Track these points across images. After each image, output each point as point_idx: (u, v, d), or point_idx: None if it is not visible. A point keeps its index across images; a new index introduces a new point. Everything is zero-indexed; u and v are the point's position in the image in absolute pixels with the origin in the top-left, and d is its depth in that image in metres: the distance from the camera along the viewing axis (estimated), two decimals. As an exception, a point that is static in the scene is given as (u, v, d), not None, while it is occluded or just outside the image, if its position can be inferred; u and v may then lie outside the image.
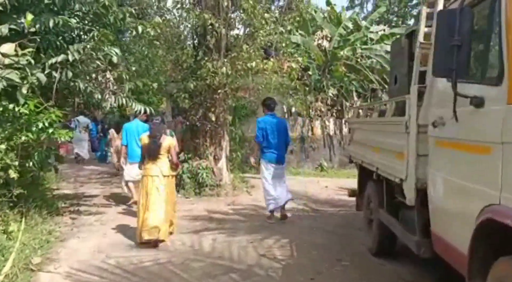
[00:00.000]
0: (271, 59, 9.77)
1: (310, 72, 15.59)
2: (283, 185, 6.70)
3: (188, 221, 6.88)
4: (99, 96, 6.51)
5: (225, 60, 9.26)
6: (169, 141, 5.50)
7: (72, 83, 6.49)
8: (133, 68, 10.11)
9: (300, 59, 10.37)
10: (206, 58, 9.26)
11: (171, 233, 5.60)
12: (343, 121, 16.58)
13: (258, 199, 9.29)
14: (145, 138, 5.48)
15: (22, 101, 5.56)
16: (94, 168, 13.58)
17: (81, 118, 14.03)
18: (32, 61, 5.51)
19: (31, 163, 5.95)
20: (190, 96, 9.59)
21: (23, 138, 5.77)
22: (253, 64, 9.20)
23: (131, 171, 7.29)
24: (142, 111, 7.16)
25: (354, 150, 6.34)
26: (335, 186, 11.88)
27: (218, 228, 6.46)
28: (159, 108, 18.09)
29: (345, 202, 9.36)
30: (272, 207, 6.69)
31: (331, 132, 16.21)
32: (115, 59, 6.33)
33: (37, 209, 6.64)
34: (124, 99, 6.68)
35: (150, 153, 5.34)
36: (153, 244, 5.20)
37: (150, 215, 5.12)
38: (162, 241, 5.31)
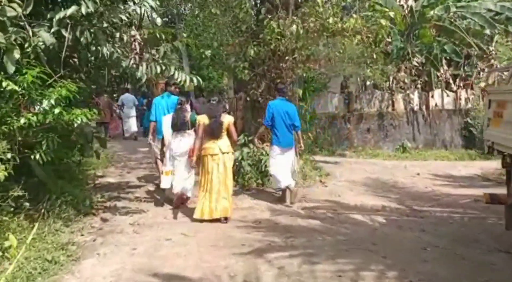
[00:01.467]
0: (354, 15, 7.29)
1: (389, 39, 12.63)
2: (288, 169, 6.21)
3: (244, 230, 4.88)
4: (126, 64, 4.57)
5: (294, 17, 6.97)
6: (228, 119, 5.27)
7: (93, 47, 4.64)
8: (184, 35, 8.21)
9: (391, 14, 7.69)
10: (270, 17, 7.03)
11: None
12: (430, 95, 13.59)
13: (336, 191, 7.08)
14: (204, 118, 5.19)
15: (11, 70, 3.78)
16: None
17: (127, 95, 13.24)
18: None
19: (37, 155, 4.21)
20: (250, 66, 7.45)
21: (22, 121, 4.05)
22: (330, 21, 6.82)
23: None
24: (188, 82, 5.17)
25: (504, 134, 3.85)
26: (428, 172, 9.27)
27: (286, 246, 4.37)
28: (219, 84, 16.28)
29: (453, 197, 6.83)
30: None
31: (415, 107, 13.32)
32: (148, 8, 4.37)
33: (64, 207, 5.04)
34: (158, 67, 4.71)
35: (214, 133, 5.14)
36: (223, 221, 5.11)
37: (214, 195, 5.06)
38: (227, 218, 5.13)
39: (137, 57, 4.44)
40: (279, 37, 6.91)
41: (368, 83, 14.09)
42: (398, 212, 5.94)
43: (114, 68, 4.89)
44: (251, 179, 7.07)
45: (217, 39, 7.83)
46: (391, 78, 12.98)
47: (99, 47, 4.52)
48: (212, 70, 15.83)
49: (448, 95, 13.97)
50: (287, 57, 7.28)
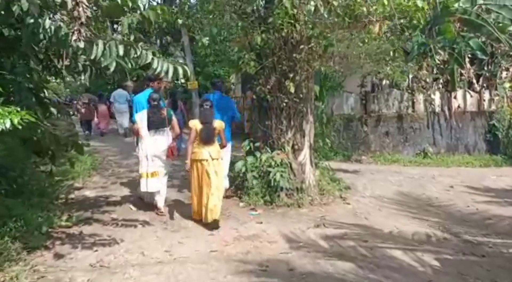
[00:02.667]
0: (384, -6, 5.65)
1: (408, 33, 10.89)
2: (226, 167, 5.71)
3: (245, 279, 3.28)
4: (76, 43, 2.96)
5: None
6: (218, 124, 4.92)
7: (30, 19, 3.07)
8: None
9: (419, 2, 6.06)
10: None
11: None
12: (452, 96, 11.87)
13: (362, 210, 5.48)
14: (197, 124, 4.84)
15: None
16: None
17: (119, 91, 12.44)
18: None
19: None
20: (258, 57, 5.85)
21: None
22: None
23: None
24: (171, 72, 3.57)
25: None
26: (461, 183, 7.60)
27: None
28: (227, 82, 14.67)
29: (508, 221, 5.19)
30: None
31: (437, 109, 11.60)
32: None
33: (6, 238, 3.51)
34: (121, 47, 3.10)
35: (207, 139, 4.80)
36: (214, 225, 4.63)
37: (205, 197, 4.66)
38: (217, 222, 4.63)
39: (83, 30, 2.82)
40: (292, 21, 5.31)
41: (384, 82, 12.41)
42: (448, 245, 4.32)
43: (62, 48, 3.29)
44: (257, 195, 5.49)
45: (215, 24, 6.21)
46: (410, 77, 11.29)
47: (39, 20, 2.94)
48: (218, 67, 14.23)
49: (471, 96, 12.23)
50: (301, 46, 5.68)
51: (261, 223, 4.85)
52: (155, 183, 4.99)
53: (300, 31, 5.50)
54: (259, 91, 5.98)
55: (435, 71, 11.49)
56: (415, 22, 5.96)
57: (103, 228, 4.53)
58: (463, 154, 11.65)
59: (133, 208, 5.36)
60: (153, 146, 5.00)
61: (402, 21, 5.87)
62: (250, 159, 5.61)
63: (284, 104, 5.81)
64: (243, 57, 5.85)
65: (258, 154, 5.65)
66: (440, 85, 11.89)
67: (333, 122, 9.80)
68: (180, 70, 3.58)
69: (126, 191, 6.18)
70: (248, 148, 5.85)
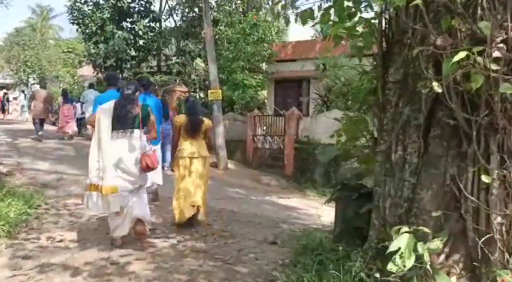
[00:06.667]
0: None
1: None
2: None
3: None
4: None
5: None
6: (206, 121, 4.52)
7: None
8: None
9: None
10: None
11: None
12: None
13: None
14: (181, 118, 4.49)
15: None
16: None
17: (90, 91, 10.62)
18: None
19: None
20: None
21: None
22: None
23: None
24: None
25: None
26: None
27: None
28: (258, 96, 11.04)
29: None
30: None
31: None
32: None
33: None
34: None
35: (194, 130, 4.38)
36: (190, 222, 4.31)
37: (189, 194, 4.27)
38: (199, 223, 4.39)
39: None
40: None
41: None
42: None
43: None
44: None
45: None
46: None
47: None
48: (248, 75, 10.69)
49: None
50: None
51: None
52: (115, 203, 3.45)
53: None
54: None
55: None
56: None
57: None
58: None
59: None
60: (114, 154, 3.54)
61: None
62: None
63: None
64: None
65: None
66: None
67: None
68: None
69: None
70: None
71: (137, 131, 3.58)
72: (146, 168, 3.54)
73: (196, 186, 4.26)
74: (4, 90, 24.38)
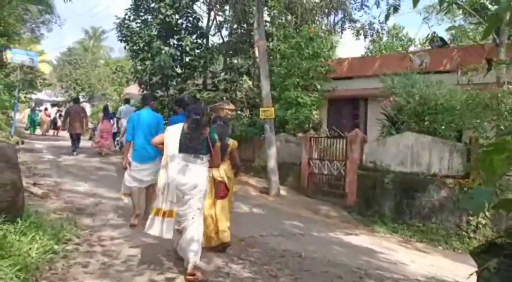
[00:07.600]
0: None
1: None
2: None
3: None
4: None
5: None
6: (231, 143, 4.57)
7: None
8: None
9: None
10: None
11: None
12: None
13: None
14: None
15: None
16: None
17: (127, 107, 11.08)
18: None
19: None
20: None
21: None
22: None
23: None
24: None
25: None
26: None
27: None
28: (313, 115, 10.00)
29: None
30: None
31: None
32: None
33: None
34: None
35: (223, 156, 4.23)
36: (221, 248, 4.28)
37: (217, 218, 4.29)
38: (228, 245, 4.31)
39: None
40: None
41: None
42: None
43: None
44: None
45: None
46: None
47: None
48: (302, 93, 9.71)
49: None
50: None
51: None
52: (169, 227, 3.42)
53: None
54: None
55: None
56: None
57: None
58: None
59: None
60: (182, 177, 3.49)
61: None
62: None
63: None
64: None
65: None
66: None
67: None
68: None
69: None
70: None
71: (204, 157, 3.60)
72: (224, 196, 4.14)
73: (222, 208, 4.31)
74: (56, 108, 25.18)
